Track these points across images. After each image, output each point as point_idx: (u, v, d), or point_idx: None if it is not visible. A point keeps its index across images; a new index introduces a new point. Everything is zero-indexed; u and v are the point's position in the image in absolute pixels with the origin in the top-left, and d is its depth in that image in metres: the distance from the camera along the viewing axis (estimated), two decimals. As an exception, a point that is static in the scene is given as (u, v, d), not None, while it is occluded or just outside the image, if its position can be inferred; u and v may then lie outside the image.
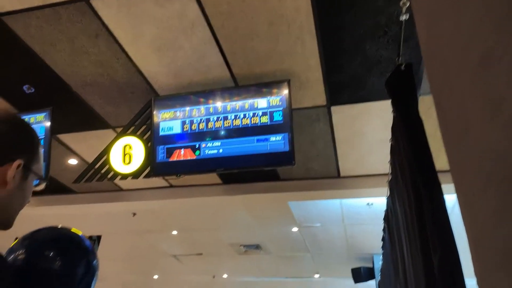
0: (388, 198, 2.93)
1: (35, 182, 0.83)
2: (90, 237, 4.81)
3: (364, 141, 3.36)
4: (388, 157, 2.47)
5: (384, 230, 3.58)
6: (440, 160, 1.53)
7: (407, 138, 1.71)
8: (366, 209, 4.44)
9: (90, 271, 0.93)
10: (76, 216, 4.99)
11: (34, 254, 0.86)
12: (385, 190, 2.99)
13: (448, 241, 1.33)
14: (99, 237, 4.85)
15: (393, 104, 1.92)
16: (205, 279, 8.29)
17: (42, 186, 0.77)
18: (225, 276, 8.04)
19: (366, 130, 3.21)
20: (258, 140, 2.59)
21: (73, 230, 1.00)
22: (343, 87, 2.79)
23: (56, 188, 4.32)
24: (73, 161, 3.92)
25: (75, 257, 0.90)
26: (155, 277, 8.35)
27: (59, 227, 0.98)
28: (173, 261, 7.10)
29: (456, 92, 0.43)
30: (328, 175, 3.86)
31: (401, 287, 2.54)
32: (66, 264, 0.87)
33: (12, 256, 0.84)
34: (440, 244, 1.30)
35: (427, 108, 1.89)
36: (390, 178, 2.58)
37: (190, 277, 8.20)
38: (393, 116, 2.02)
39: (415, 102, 1.76)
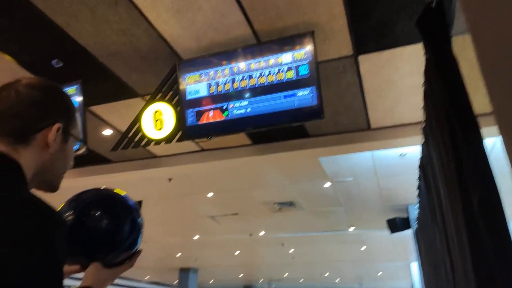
0: (422, 146, 2.86)
1: (76, 146, 0.86)
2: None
3: (394, 90, 3.25)
4: (420, 105, 2.39)
5: (419, 178, 3.53)
6: (475, 103, 1.47)
7: (442, 80, 1.64)
8: (398, 160, 4.37)
9: (136, 228, 0.96)
10: (115, 184, 5.22)
11: (82, 214, 0.89)
12: (417, 139, 2.92)
13: (488, 181, 1.30)
14: (140, 202, 5.11)
15: (425, 45, 1.83)
16: (243, 237, 8.62)
17: (83, 150, 0.80)
18: (261, 233, 8.32)
19: (396, 77, 3.09)
20: (285, 96, 2.56)
21: (117, 190, 1.04)
22: (370, 34, 2.66)
23: (93, 159, 4.52)
24: (107, 132, 4.06)
25: (120, 215, 0.93)
26: (195, 238, 8.77)
27: (102, 188, 1.01)
28: (211, 222, 7.41)
29: (495, 24, 0.40)
30: (358, 128, 3.79)
31: (439, 232, 2.54)
32: (112, 222, 0.91)
33: None
34: (480, 185, 1.28)
35: (460, 50, 1.78)
36: (424, 124, 2.51)
37: (228, 236, 8.55)
38: (426, 59, 1.93)
39: (449, 41, 1.66)
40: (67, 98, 0.84)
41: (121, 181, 4.91)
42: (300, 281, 16.89)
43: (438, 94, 1.75)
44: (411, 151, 4.04)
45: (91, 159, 4.48)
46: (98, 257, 0.88)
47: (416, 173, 3.53)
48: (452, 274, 2.16)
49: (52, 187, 0.81)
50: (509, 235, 1.23)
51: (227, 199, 6.25)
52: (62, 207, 0.91)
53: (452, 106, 1.55)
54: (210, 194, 5.96)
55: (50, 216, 0.65)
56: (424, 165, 3.04)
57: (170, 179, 5.23)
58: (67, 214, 0.89)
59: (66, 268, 0.82)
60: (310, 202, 6.21)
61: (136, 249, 0.96)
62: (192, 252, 10.69)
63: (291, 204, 6.37)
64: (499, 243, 1.24)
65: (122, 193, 1.01)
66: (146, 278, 16.87)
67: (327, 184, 5.36)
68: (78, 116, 0.86)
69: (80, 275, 0.88)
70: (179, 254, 11.06)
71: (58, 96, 0.82)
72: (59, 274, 0.63)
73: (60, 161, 0.80)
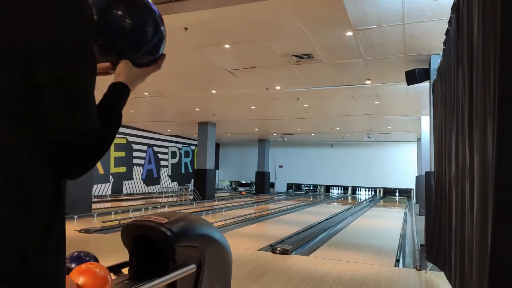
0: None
1: None
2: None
3: None
4: None
5: (450, 21, 3.32)
6: None
7: None
8: (430, 3, 4.04)
9: (158, 33, 0.93)
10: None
11: (104, 11, 0.88)
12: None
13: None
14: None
15: None
16: (259, 91, 8.81)
17: None
18: (278, 87, 8.45)
19: None
20: None
21: None
22: None
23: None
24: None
25: (143, 15, 0.91)
26: (213, 91, 9.00)
27: None
28: (228, 75, 7.47)
29: None
30: (392, -37, 3.40)
31: (463, 77, 2.52)
32: (136, 20, 0.89)
33: None
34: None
35: None
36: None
37: (245, 90, 8.74)
38: None
39: None
40: None
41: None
42: (311, 135, 17.98)
43: None
44: (446, -8, 3.69)
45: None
46: (126, 54, 0.89)
47: (447, 17, 3.30)
48: (469, 110, 2.20)
49: None
50: None
51: (244, 51, 6.14)
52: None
53: None
54: (227, 46, 5.84)
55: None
56: (460, 4, 2.81)
57: (186, 29, 5.06)
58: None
59: (99, 65, 0.84)
60: (329, 54, 6.08)
61: (161, 53, 0.95)
62: (210, 106, 11.14)
63: (309, 56, 6.25)
64: None
65: None
66: (168, 131, 18.15)
67: (349, 33, 5.13)
68: None
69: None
70: (197, 109, 11.57)
71: None
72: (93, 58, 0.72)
73: None
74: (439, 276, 3.85)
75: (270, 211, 10.99)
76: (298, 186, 23.02)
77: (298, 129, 15.89)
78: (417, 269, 4.35)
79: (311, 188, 22.72)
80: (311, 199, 17.17)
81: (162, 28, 0.94)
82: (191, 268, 1.66)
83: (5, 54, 0.64)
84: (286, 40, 5.50)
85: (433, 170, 4.48)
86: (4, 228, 0.59)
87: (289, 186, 22.76)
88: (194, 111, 11.90)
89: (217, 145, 21.28)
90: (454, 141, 2.73)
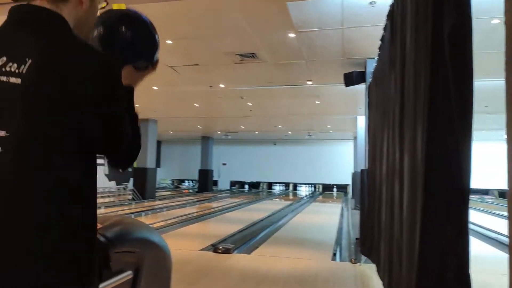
0: (395, -9, 2.75)
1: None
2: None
3: None
4: None
5: (385, 28, 3.52)
6: None
7: None
8: (368, 9, 4.27)
9: (154, 44, 1.19)
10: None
11: (112, 28, 1.10)
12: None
13: (464, 11, 1.30)
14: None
15: None
16: (203, 89, 8.69)
17: (104, 5, 1.04)
18: (222, 86, 8.40)
19: None
20: None
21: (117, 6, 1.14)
22: None
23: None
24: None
25: (142, 30, 1.15)
26: (154, 88, 8.70)
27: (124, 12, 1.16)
28: (170, 71, 7.26)
29: None
30: (332, -30, 3.53)
31: (395, 80, 2.68)
32: (137, 35, 1.13)
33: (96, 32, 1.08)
34: (455, 10, 1.27)
35: None
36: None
37: (188, 87, 8.57)
38: None
39: None
40: None
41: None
42: (255, 133, 18.17)
43: None
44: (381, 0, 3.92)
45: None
46: (129, 62, 1.11)
47: (383, 24, 3.49)
48: (400, 114, 2.34)
49: (86, 40, 0.99)
50: (472, 73, 1.28)
51: (187, 48, 6.01)
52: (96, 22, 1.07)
53: None
54: (169, 42, 5.67)
55: (107, 57, 0.91)
56: (394, 14, 2.99)
57: (125, 21, 4.81)
58: (103, 28, 1.09)
59: None
60: (273, 54, 6.16)
61: (156, 60, 1.20)
62: (150, 103, 10.76)
63: (253, 55, 6.29)
64: (461, 79, 1.29)
65: (123, 6, 1.15)
66: (105, 128, 17.20)
67: (292, 35, 5.24)
68: None
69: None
70: (137, 105, 11.09)
71: None
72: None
73: (91, 16, 0.98)
74: (373, 269, 4.08)
75: (212, 209, 10.92)
76: (241, 184, 23.17)
77: (242, 127, 15.96)
78: (352, 262, 4.58)
79: (254, 184, 22.99)
80: (254, 196, 17.38)
81: (156, 37, 1.18)
82: (127, 274, 1.58)
83: (61, 107, 0.79)
84: (230, 38, 5.48)
85: (367, 167, 4.75)
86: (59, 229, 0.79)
87: (233, 183, 22.82)
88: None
89: (159, 143, 20.65)
90: (386, 142, 2.90)
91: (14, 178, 0.76)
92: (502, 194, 17.02)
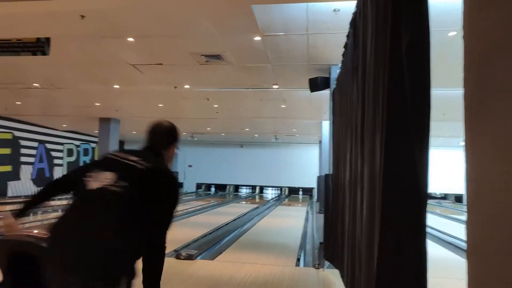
0: (358, 0, 2.77)
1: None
2: (39, 39, 4.42)
3: None
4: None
5: (348, 36, 3.56)
6: None
7: None
8: (332, 17, 4.30)
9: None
10: (18, 17, 4.47)
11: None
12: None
13: (423, 23, 1.29)
14: (48, 39, 4.47)
15: None
16: (167, 89, 8.47)
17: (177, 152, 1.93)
18: (187, 86, 8.22)
19: None
20: None
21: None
22: None
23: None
24: None
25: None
26: (116, 86, 8.38)
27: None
28: (133, 70, 7.01)
29: None
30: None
31: (357, 86, 2.69)
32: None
33: None
34: (414, 21, 1.26)
35: None
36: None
37: (152, 87, 8.32)
38: None
39: None
40: (178, 132, 1.85)
41: (23, 13, 4.17)
42: (221, 135, 18.01)
43: None
44: (345, 7, 3.96)
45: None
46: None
47: (346, 31, 3.52)
48: (361, 121, 2.35)
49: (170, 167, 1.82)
50: (429, 83, 1.27)
51: (151, 47, 5.82)
52: None
53: None
54: (131, 39, 5.46)
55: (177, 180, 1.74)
56: (357, 22, 3.01)
57: (82, 16, 4.58)
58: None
59: None
60: (238, 56, 6.10)
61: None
62: (112, 102, 10.38)
63: (218, 57, 6.19)
64: (418, 89, 1.29)
65: None
66: (63, 126, 16.46)
67: (258, 38, 5.20)
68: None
69: None
70: (98, 104, 10.68)
71: (177, 131, 1.84)
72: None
73: (174, 158, 1.84)
74: (336, 274, 4.11)
75: (176, 213, 10.66)
76: (207, 186, 22.89)
77: (208, 128, 15.77)
78: (315, 268, 4.59)
79: (221, 187, 22.80)
80: (220, 199, 17.21)
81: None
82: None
83: (138, 203, 1.53)
84: (195, 39, 5.36)
85: (331, 172, 4.78)
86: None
87: (199, 186, 22.51)
88: (94, 106, 10.96)
89: (121, 143, 19.99)
90: (349, 149, 2.91)
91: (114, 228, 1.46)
92: (458, 198, 17.82)
